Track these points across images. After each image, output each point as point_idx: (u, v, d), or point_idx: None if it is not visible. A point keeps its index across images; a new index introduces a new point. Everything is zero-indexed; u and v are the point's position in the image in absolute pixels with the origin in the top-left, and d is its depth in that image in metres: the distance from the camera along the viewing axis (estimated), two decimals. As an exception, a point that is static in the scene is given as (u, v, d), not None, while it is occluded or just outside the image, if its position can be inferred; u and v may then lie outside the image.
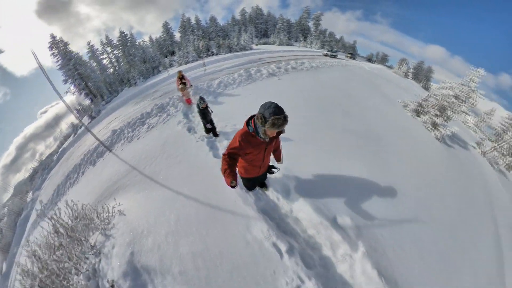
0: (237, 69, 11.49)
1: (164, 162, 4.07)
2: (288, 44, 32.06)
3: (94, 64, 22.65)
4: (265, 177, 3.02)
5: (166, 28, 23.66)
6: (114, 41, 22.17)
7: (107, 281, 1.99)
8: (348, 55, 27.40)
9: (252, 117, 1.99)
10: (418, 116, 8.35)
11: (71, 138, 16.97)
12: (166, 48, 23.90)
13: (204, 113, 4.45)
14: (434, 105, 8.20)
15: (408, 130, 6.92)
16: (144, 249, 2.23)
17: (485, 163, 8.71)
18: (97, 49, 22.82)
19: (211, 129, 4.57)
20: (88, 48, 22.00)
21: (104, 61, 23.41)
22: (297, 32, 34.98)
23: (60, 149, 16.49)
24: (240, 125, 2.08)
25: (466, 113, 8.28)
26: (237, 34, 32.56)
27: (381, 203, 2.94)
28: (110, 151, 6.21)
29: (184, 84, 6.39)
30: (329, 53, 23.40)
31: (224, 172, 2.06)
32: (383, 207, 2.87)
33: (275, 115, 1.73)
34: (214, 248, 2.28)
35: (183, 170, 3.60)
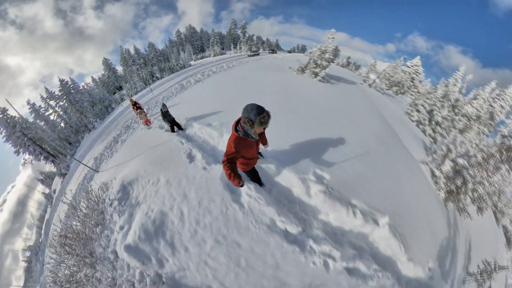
0: (175, 85, 14.53)
1: (145, 153, 5.44)
2: (221, 54, 35.43)
3: (42, 123, 22.08)
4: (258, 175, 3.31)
5: (107, 64, 24.21)
6: (56, 92, 22.07)
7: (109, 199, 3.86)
8: (270, 51, 35.16)
9: (237, 122, 2.18)
10: (304, 72, 13.01)
11: (49, 209, 14.23)
12: (112, 84, 24.40)
13: (166, 115, 6.06)
14: (310, 62, 12.95)
15: (299, 81, 11.01)
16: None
17: (372, 91, 13.24)
18: (39, 106, 22.35)
19: (174, 126, 6.16)
20: (30, 108, 21.55)
21: (52, 117, 22.96)
22: (229, 41, 38.72)
23: (43, 228, 12.70)
24: (187, 114, 3.57)
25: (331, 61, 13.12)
26: (175, 55, 34.20)
27: (325, 148, 4.01)
28: (97, 171, 7.78)
29: (140, 108, 7.92)
30: (251, 53, 29.84)
31: (229, 177, 2.26)
32: (328, 151, 3.94)
33: (260, 115, 1.93)
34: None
35: (162, 153, 5.02)
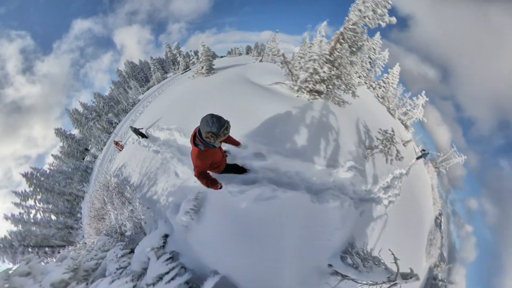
0: (129, 121, 17.99)
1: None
2: (164, 79, 34.77)
3: (33, 228, 20.11)
4: (233, 168, 3.71)
5: (61, 134, 22.13)
6: (26, 190, 20.05)
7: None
8: (183, 71, 36.95)
9: (194, 137, 2.14)
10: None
11: None
12: (77, 151, 22.50)
13: (136, 131, 9.48)
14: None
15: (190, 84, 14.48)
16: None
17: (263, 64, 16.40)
18: (19, 214, 20.30)
19: (143, 136, 9.38)
20: (9, 220, 19.48)
21: (39, 215, 20.97)
22: (169, 64, 38.12)
23: None
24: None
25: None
26: (124, 95, 32.64)
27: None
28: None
29: (118, 143, 12.70)
30: (182, 70, 31.95)
31: (208, 186, 2.50)
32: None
33: (222, 127, 1.94)
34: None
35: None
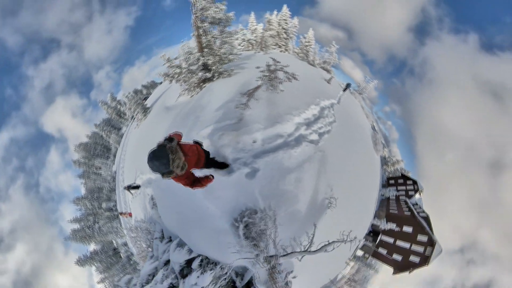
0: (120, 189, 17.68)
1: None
2: (121, 136, 33.85)
3: None
4: (214, 163, 4.15)
5: (85, 261, 21.90)
6: None
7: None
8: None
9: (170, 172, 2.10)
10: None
11: None
12: (111, 261, 22.59)
13: (129, 188, 11.03)
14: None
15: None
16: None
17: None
18: None
19: (137, 187, 10.77)
20: None
21: None
22: (116, 119, 35.35)
23: None
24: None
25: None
26: (99, 179, 31.27)
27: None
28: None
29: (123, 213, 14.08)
30: (132, 117, 29.47)
31: (202, 186, 2.71)
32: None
33: (160, 172, 2.01)
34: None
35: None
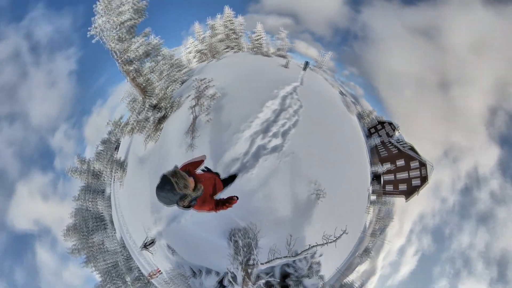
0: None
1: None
2: (109, 198, 30.85)
3: None
4: (228, 180, 5.01)
5: None
6: None
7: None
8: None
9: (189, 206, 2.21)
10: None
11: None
12: None
13: (145, 247, 10.78)
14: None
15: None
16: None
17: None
18: None
19: (152, 243, 10.71)
20: None
21: None
22: (95, 186, 31.95)
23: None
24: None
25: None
26: (106, 257, 29.09)
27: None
28: None
29: (152, 274, 12.97)
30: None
31: (227, 207, 2.69)
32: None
33: (166, 203, 1.94)
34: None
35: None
